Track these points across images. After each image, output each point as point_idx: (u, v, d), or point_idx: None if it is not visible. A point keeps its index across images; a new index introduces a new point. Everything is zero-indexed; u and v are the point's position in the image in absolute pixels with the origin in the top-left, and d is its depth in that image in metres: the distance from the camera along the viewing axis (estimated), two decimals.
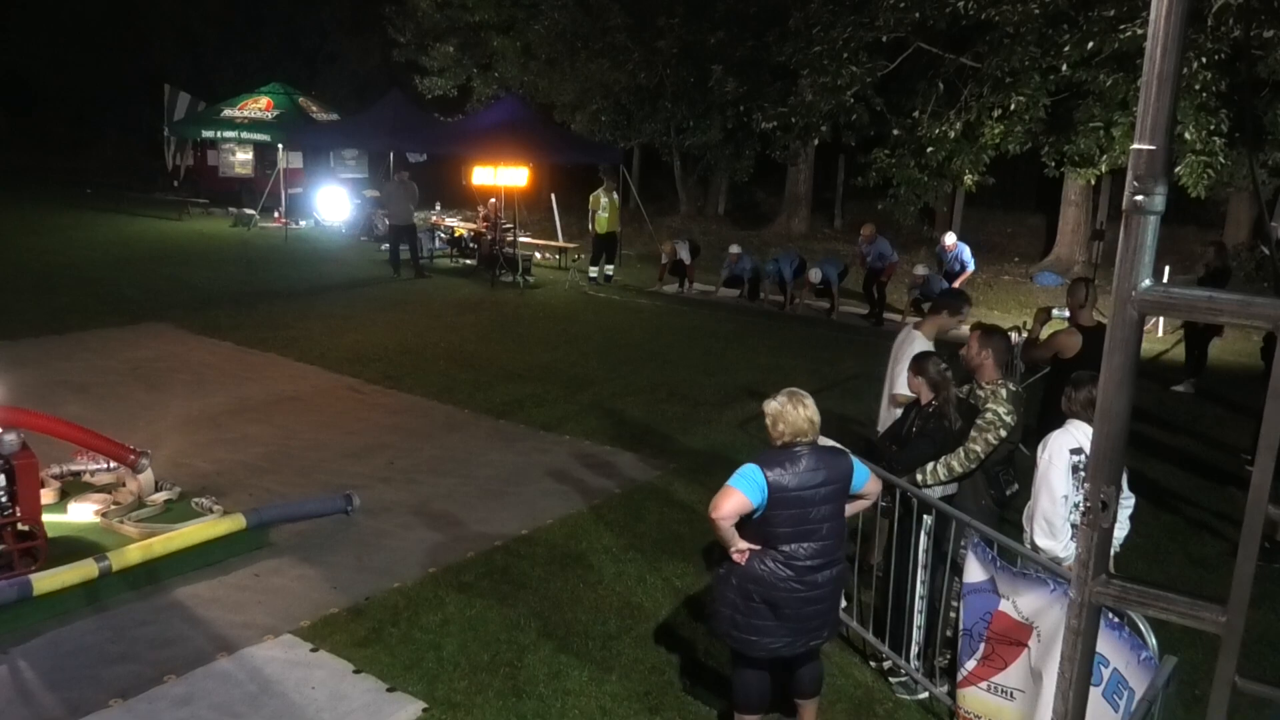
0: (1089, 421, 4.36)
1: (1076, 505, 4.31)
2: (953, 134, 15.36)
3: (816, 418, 4.08)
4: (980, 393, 5.07)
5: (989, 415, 4.89)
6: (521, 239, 17.53)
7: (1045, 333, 7.41)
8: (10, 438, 5.57)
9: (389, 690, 4.66)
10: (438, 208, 19.52)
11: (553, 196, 20.67)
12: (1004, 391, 4.96)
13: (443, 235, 18.78)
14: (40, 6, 34.58)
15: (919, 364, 5.12)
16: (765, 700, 4.32)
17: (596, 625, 5.38)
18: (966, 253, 14.77)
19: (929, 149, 15.52)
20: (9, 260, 15.88)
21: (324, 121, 22.82)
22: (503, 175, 17.00)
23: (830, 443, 4.19)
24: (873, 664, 5.14)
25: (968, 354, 5.21)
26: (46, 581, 5.18)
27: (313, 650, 4.96)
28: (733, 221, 26.39)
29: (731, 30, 21.52)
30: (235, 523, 6.03)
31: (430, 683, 4.74)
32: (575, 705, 4.66)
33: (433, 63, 26.55)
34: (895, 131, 16.52)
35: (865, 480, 4.26)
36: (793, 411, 4.04)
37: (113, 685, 4.59)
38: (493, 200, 17.86)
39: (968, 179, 15.97)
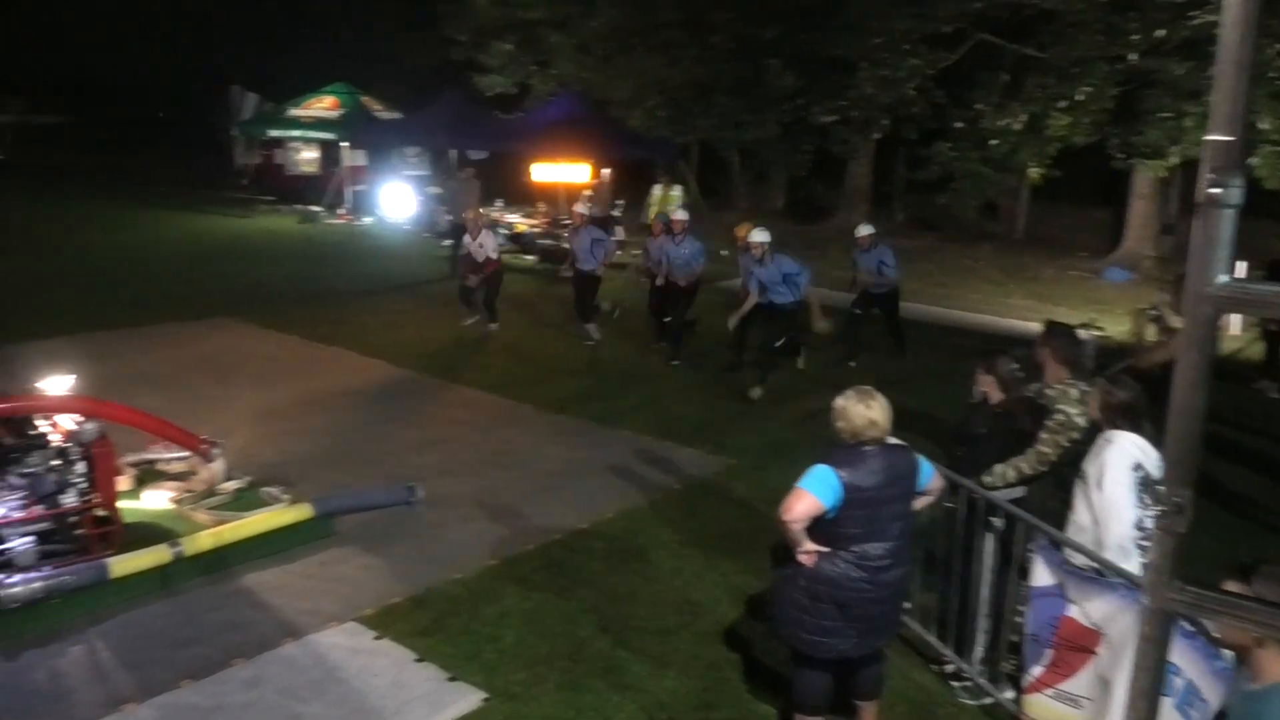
0: (1132, 429, 4.22)
1: (1144, 528, 4.07)
2: (1016, 126, 15.06)
3: (884, 417, 4.02)
4: (1050, 393, 4.96)
5: (1059, 417, 4.77)
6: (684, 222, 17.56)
7: (1150, 333, 7.16)
8: (90, 427, 5.76)
9: (450, 680, 4.73)
10: (499, 204, 19.66)
11: (609, 190, 20.70)
12: (1074, 392, 4.84)
13: (503, 231, 18.93)
14: (113, 11, 35.62)
15: (990, 362, 5.04)
16: (827, 702, 4.29)
17: (654, 620, 5.40)
18: (890, 256, 11.43)
19: (992, 141, 15.23)
20: (86, 256, 16.40)
21: (387, 119, 23.13)
22: (562, 172, 17.08)
23: (894, 440, 4.14)
24: (934, 667, 5.07)
25: (1035, 353, 5.12)
26: (122, 565, 5.34)
27: (376, 638, 5.06)
28: (791, 217, 26.20)
29: (788, 23, 21.36)
30: (302, 512, 6.16)
31: (490, 673, 4.80)
32: (633, 700, 4.68)
33: (491, 60, 26.76)
34: (957, 124, 16.25)
35: (930, 477, 4.21)
36: (860, 409, 3.99)
37: (184, 667, 4.72)
38: (587, 193, 17.96)
39: (1033, 172, 15.65)
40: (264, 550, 5.88)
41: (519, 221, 19.11)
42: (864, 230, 11.64)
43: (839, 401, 4.06)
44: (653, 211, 17.16)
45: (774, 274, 9.93)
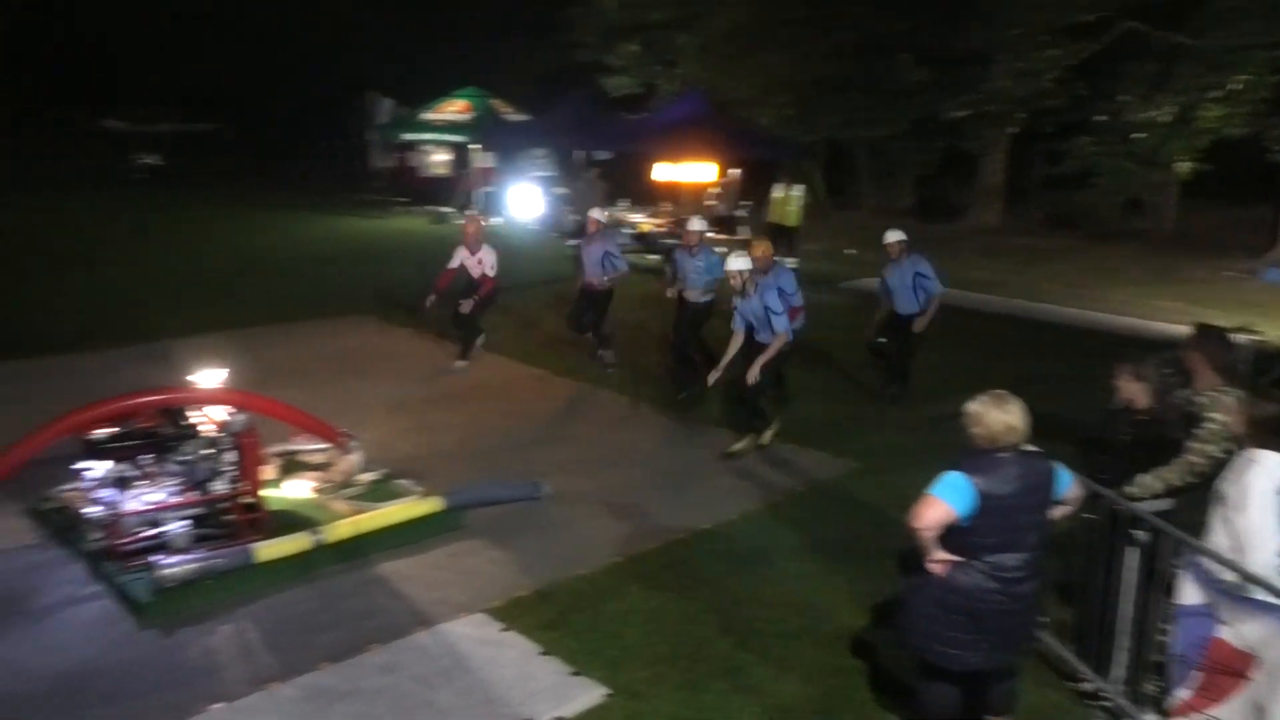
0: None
1: None
2: (1164, 118, 14.31)
3: (1021, 422, 3.88)
4: (1200, 400, 4.68)
5: (1211, 425, 4.50)
6: (707, 234, 17.55)
7: None
8: (239, 418, 6.07)
9: (573, 674, 4.80)
10: (624, 204, 19.83)
11: (733, 191, 20.63)
12: (1228, 399, 4.55)
13: (628, 231, 19.08)
14: (256, 24, 37.52)
15: (1138, 366, 4.79)
16: (954, 716, 4.17)
17: (777, 624, 5.35)
18: (927, 266, 9.34)
19: (1137, 135, 14.51)
20: (234, 257, 17.30)
21: (515, 122, 23.61)
22: (686, 171, 17.12)
23: (1031, 447, 3.99)
24: (1070, 685, 4.87)
25: (1184, 358, 4.85)
26: (267, 550, 5.62)
27: (503, 630, 5.17)
28: (921, 215, 25.55)
29: (919, 17, 20.84)
30: (434, 504, 6.35)
31: (612, 670, 4.85)
32: (754, 703, 4.65)
33: (617, 62, 27.01)
34: (1099, 117, 15.54)
35: (1069, 486, 4.05)
36: (995, 414, 3.87)
37: (322, 650, 4.93)
38: (713, 190, 18.00)
39: (1181, 166, 14.84)
40: (398, 540, 6.08)
41: (643, 221, 19.23)
42: (893, 236, 9.46)
43: (973, 406, 3.94)
44: (774, 213, 17.05)
45: (905, 278, 9.19)
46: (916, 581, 4.05)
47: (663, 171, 18.67)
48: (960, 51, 19.40)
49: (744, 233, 17.80)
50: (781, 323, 7.86)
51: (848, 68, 22.43)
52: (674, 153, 18.07)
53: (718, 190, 18.95)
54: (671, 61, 26.37)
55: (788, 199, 16.94)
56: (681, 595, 5.63)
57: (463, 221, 10.54)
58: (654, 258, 18.08)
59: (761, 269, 8.41)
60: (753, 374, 7.80)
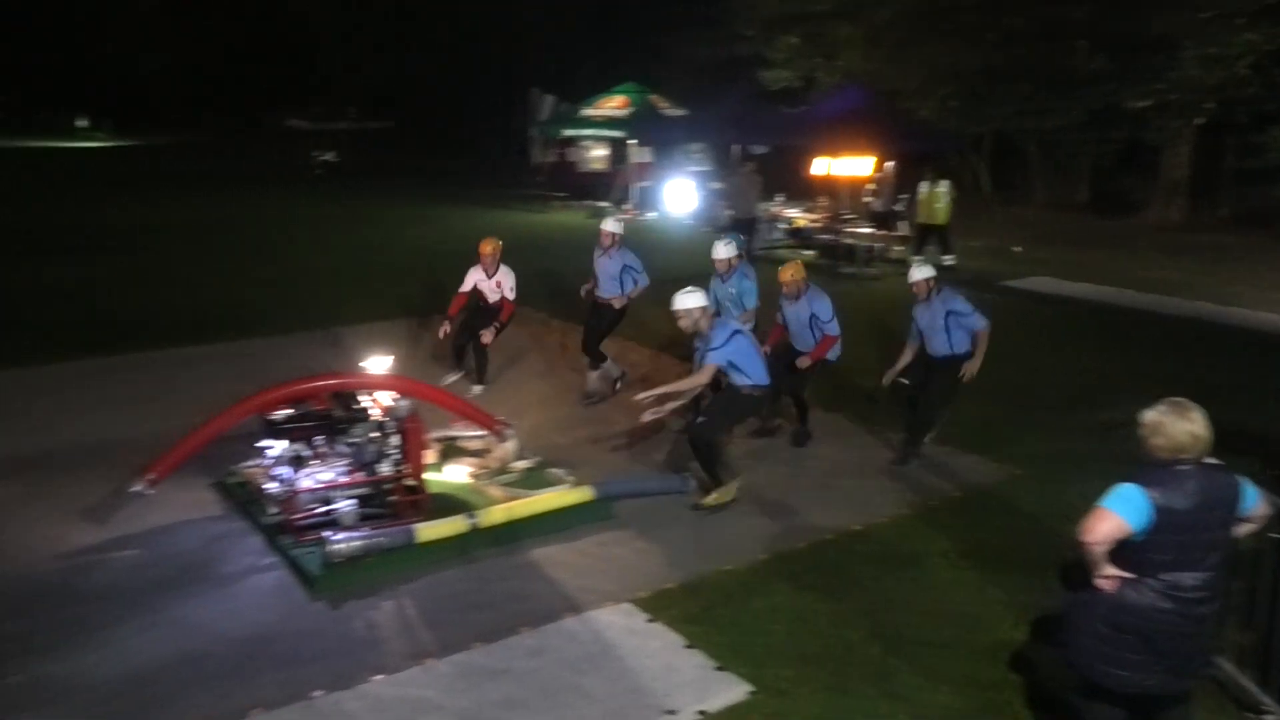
0: None
1: None
2: None
3: (1204, 432, 3.63)
4: None
5: None
6: (862, 229, 17.24)
7: None
8: (404, 404, 6.35)
9: (718, 669, 4.80)
10: (780, 199, 19.64)
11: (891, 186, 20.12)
12: None
13: (783, 226, 18.90)
14: (428, 26, 39.12)
15: None
16: None
17: (929, 631, 5.20)
18: (959, 303, 7.67)
19: None
20: (401, 248, 18.09)
21: (672, 116, 23.74)
22: (844, 165, 16.82)
23: (1213, 460, 3.73)
24: (1249, 715, 4.53)
25: None
26: (427, 531, 5.85)
27: (649, 621, 5.23)
28: (1096, 211, 24.24)
29: (1099, 2, 19.74)
30: (584, 494, 6.47)
31: (757, 666, 4.82)
32: (902, 710, 4.54)
33: (777, 54, 26.76)
34: None
35: (1255, 502, 3.77)
36: (1175, 424, 3.63)
37: (476, 629, 5.11)
38: (869, 187, 17.65)
39: None
40: (550, 527, 6.23)
41: (799, 216, 19.01)
42: (918, 274, 7.75)
43: (1151, 415, 3.71)
44: (921, 211, 16.50)
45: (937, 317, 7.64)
46: (1082, 597, 3.85)
47: (821, 166, 18.36)
48: (1144, 38, 18.26)
49: (903, 229, 17.33)
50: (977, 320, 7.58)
51: (1019, 56, 21.48)
52: (832, 146, 17.75)
53: (873, 186, 18.50)
54: (832, 53, 25.93)
55: (934, 195, 16.35)
56: (829, 596, 5.55)
57: (481, 241, 9.43)
58: (809, 253, 17.85)
59: (791, 294, 7.86)
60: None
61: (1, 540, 6.05)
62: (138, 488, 6.06)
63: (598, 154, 26.11)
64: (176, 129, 49.30)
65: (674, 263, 17.02)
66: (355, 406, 6.58)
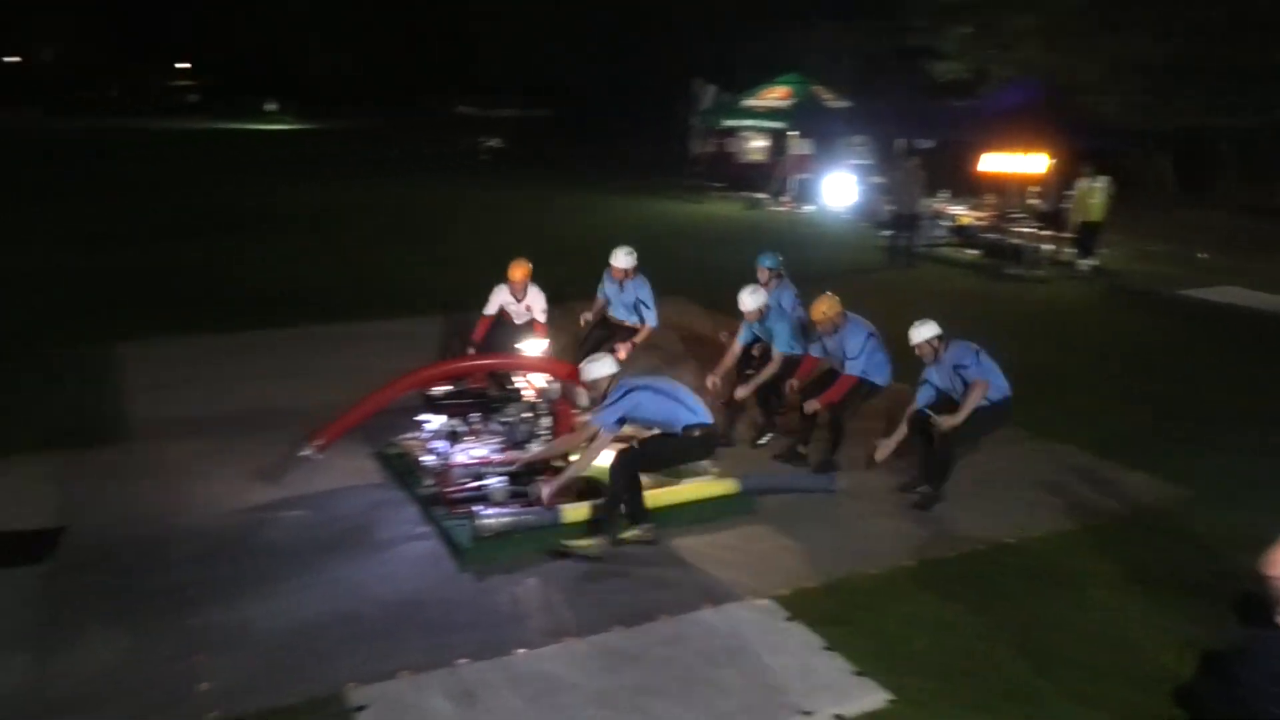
0: None
1: None
2: None
3: None
4: None
5: None
6: (1029, 229, 16.52)
7: None
8: (556, 386, 6.50)
9: (857, 674, 4.71)
10: (944, 195, 19.04)
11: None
12: None
13: (945, 224, 18.32)
14: (589, 11, 39.73)
15: None
16: None
17: (1083, 656, 4.95)
18: (969, 355, 6.85)
19: None
20: (559, 233, 18.48)
21: (834, 108, 23.34)
22: (1014, 162, 16.15)
23: None
24: None
25: None
26: (571, 513, 5.98)
27: (788, 618, 5.18)
28: None
29: None
30: (730, 486, 6.46)
31: (897, 675, 4.71)
32: None
33: (948, 45, 25.89)
34: None
35: None
36: None
37: (615, 612, 5.18)
38: (1033, 188, 16.96)
39: None
40: (693, 517, 6.26)
41: (963, 214, 18.38)
42: (917, 336, 6.92)
43: None
44: (1078, 209, 15.66)
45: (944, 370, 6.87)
46: (1260, 635, 3.58)
47: (990, 162, 17.68)
48: None
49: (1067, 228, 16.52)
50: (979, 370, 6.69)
51: (1213, 47, 20.07)
52: (1003, 142, 17.06)
53: (1036, 188, 17.68)
54: (1007, 45, 24.89)
55: (1090, 191, 15.49)
56: (977, 609, 5.36)
57: (512, 264, 8.75)
58: (972, 252, 17.25)
59: (827, 330, 7.26)
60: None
61: (186, 494, 6.54)
62: (306, 453, 6.43)
63: (757, 145, 25.95)
64: (351, 114, 51.85)
65: (831, 257, 16.80)
66: (510, 386, 6.78)
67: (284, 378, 9.06)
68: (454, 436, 6.50)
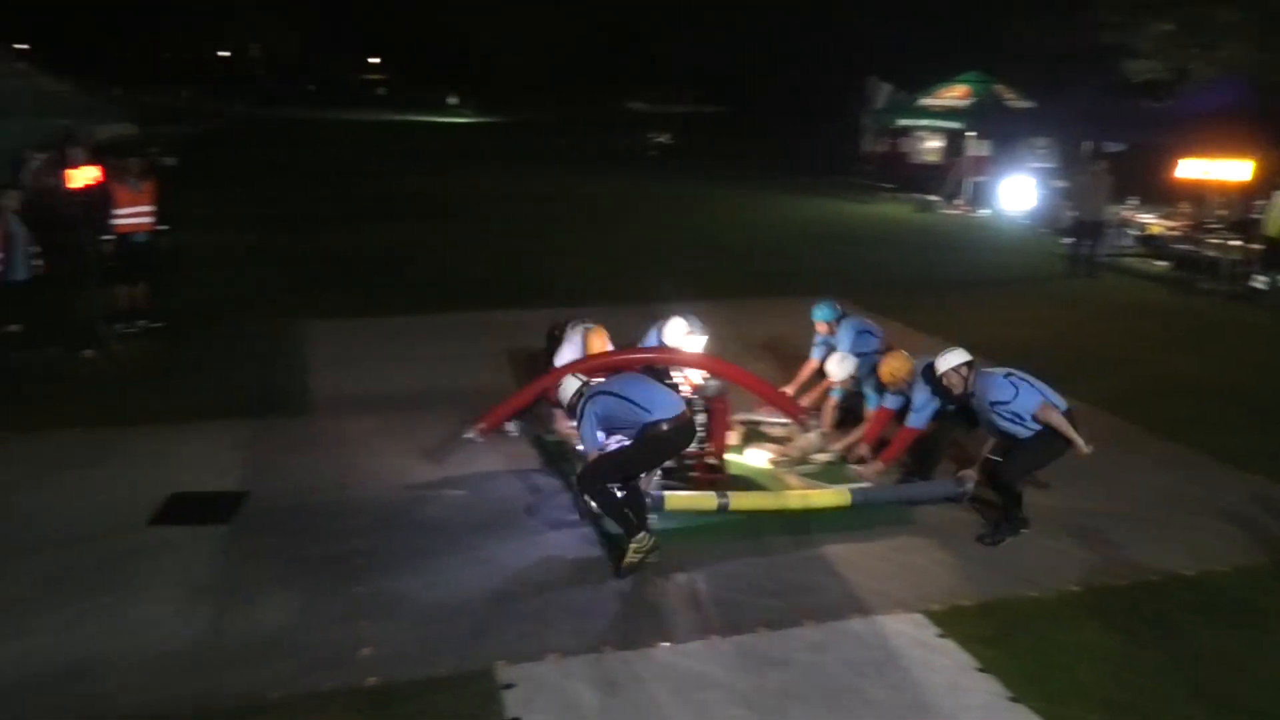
0: None
1: None
2: None
3: None
4: None
5: None
6: (1225, 241, 15.34)
7: None
8: (713, 384, 6.51)
9: (1010, 699, 4.51)
10: (1133, 202, 17.93)
11: None
12: None
13: (1133, 233, 17.27)
14: (765, 8, 39.51)
15: None
16: None
17: (1268, 701, 4.58)
18: (1003, 388, 6.16)
19: None
20: (726, 230, 18.50)
21: (1016, 109, 22.38)
22: (1215, 168, 15.04)
23: None
24: None
25: None
26: (673, 501, 6.02)
27: (939, 635, 5.02)
28: None
29: None
30: (840, 497, 6.25)
31: (1055, 704, 4.48)
32: None
33: (1145, 43, 24.37)
34: None
35: None
36: None
37: (761, 615, 5.15)
38: (1219, 199, 15.80)
39: None
40: (844, 524, 6.14)
41: (1154, 223, 17.26)
42: (945, 364, 6.35)
43: None
44: (1271, 223, 14.28)
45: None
46: None
47: (1187, 168, 16.50)
48: None
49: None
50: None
51: None
52: (1204, 147, 15.91)
53: (1222, 199, 16.33)
54: (1212, 42, 23.21)
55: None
56: (1148, 643, 5.03)
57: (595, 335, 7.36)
58: (1162, 264, 16.20)
59: (898, 389, 6.76)
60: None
61: (358, 468, 6.91)
62: (469, 435, 6.68)
63: (932, 145, 25.21)
64: (525, 108, 53.41)
65: (1005, 263, 16.16)
66: (667, 381, 6.82)
67: (452, 360, 9.45)
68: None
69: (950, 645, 4.93)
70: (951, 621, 5.14)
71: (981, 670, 4.72)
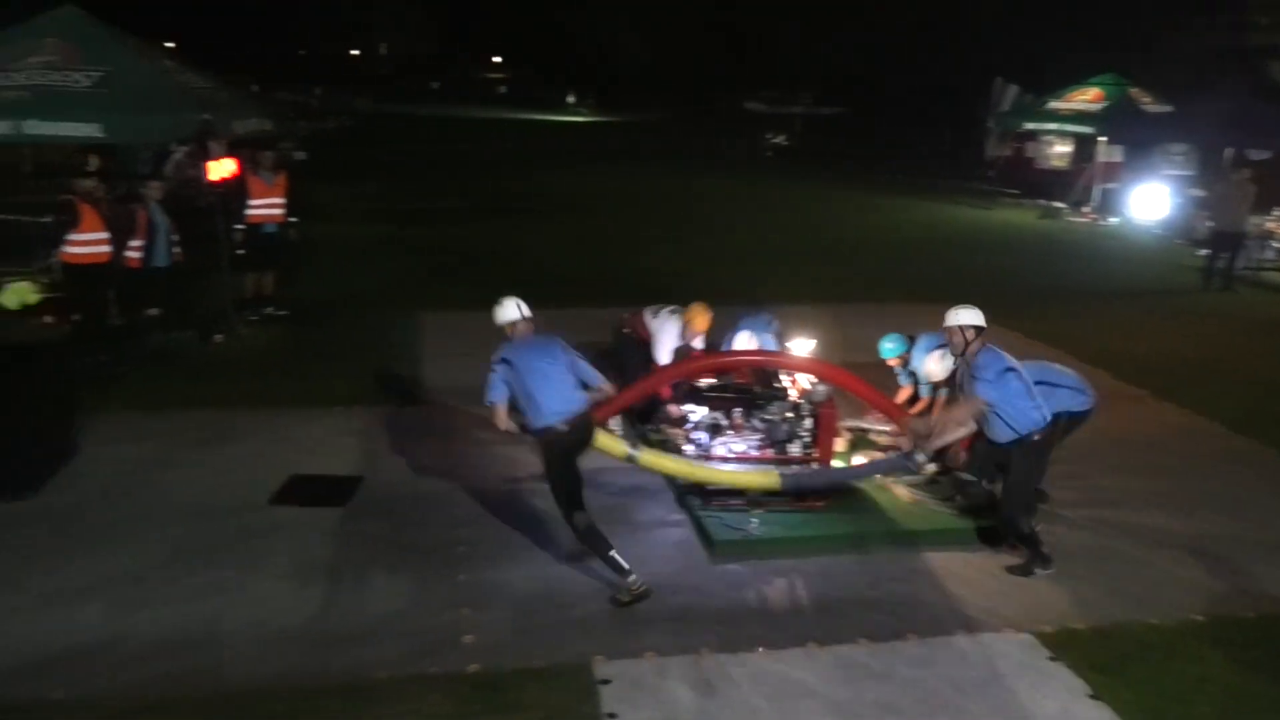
0: None
1: None
2: None
3: None
4: None
5: None
6: None
7: None
8: (821, 389, 6.42)
9: None
10: (1277, 214, 16.89)
11: None
12: None
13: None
14: (888, 7, 38.70)
15: None
16: None
17: None
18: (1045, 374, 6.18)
19: None
20: (838, 235, 18.22)
21: (1152, 113, 21.38)
22: None
23: None
24: None
25: None
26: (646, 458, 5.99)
27: (1050, 659, 4.84)
28: None
29: None
30: (768, 479, 6.02)
31: None
32: None
33: None
34: None
35: None
36: None
37: (863, 626, 5.06)
38: None
39: None
40: (953, 538, 6.00)
41: None
42: (959, 318, 5.98)
43: None
44: None
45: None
46: None
47: None
48: None
49: None
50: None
51: None
52: None
53: None
54: None
55: None
56: (1275, 679, 4.75)
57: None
58: None
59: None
60: None
61: (466, 458, 7.08)
62: None
63: (1059, 150, 24.28)
64: (642, 108, 53.67)
65: (1134, 274, 15.47)
66: (775, 385, 6.77)
67: None
68: (715, 429, 6.58)
69: (1061, 669, 4.75)
70: (1063, 645, 4.95)
71: (1094, 698, 4.53)
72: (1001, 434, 5.65)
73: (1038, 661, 4.82)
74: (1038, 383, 5.80)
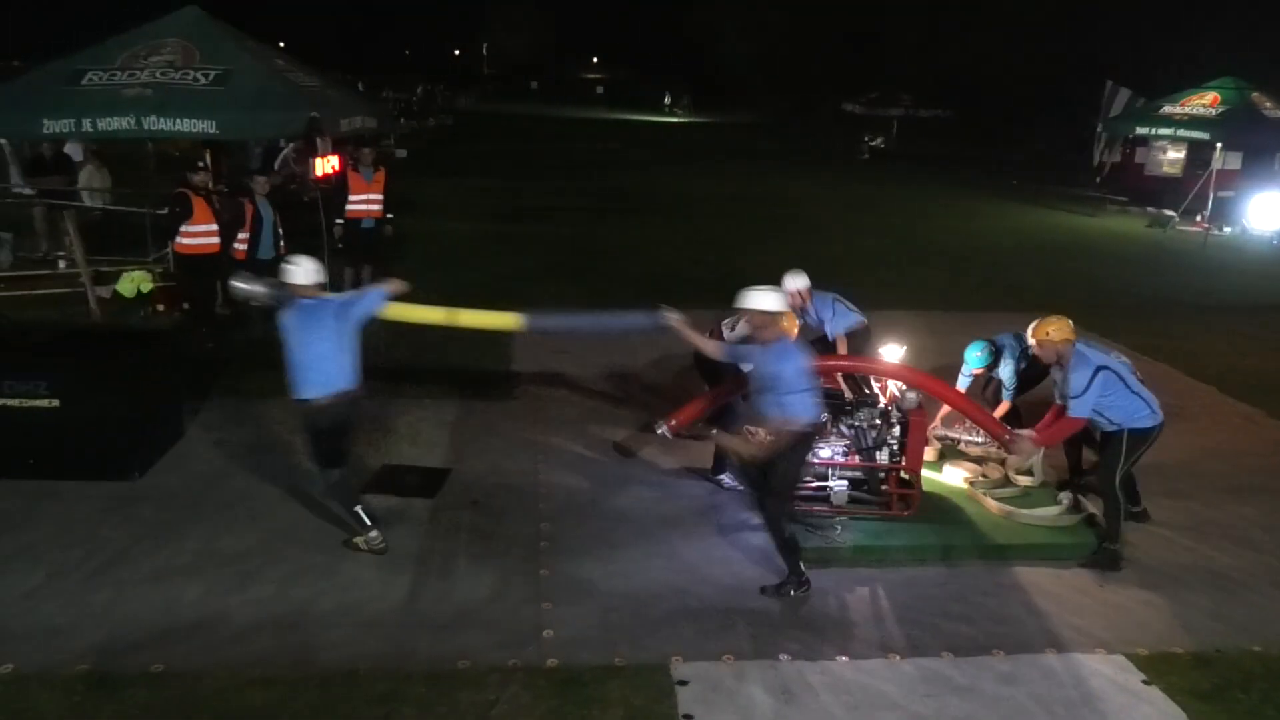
0: None
1: None
2: None
3: None
4: None
5: None
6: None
7: None
8: (911, 396, 6.30)
9: None
10: None
11: None
12: None
13: None
14: (989, 10, 37.72)
15: None
16: None
17: None
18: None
19: None
20: (939, 240, 17.84)
21: (1274, 119, 20.38)
22: None
23: None
24: None
25: None
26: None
27: (1145, 682, 4.66)
28: None
29: None
30: (511, 320, 6.15)
31: None
32: None
33: None
34: None
35: None
36: None
37: (947, 639, 4.96)
38: None
39: None
40: (1044, 553, 5.84)
41: None
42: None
43: None
44: None
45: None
46: None
47: None
48: None
49: None
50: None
51: None
52: None
53: None
54: None
55: None
56: None
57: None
58: None
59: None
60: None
61: (551, 453, 7.15)
62: (660, 430, 6.74)
63: (1172, 156, 23.37)
64: (739, 110, 53.50)
65: (1249, 286, 14.77)
66: (865, 391, 6.66)
67: (655, 355, 9.54)
68: None
69: (1156, 694, 4.57)
70: (1159, 669, 4.77)
71: None
72: (1106, 428, 5.88)
73: (1131, 684, 4.65)
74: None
